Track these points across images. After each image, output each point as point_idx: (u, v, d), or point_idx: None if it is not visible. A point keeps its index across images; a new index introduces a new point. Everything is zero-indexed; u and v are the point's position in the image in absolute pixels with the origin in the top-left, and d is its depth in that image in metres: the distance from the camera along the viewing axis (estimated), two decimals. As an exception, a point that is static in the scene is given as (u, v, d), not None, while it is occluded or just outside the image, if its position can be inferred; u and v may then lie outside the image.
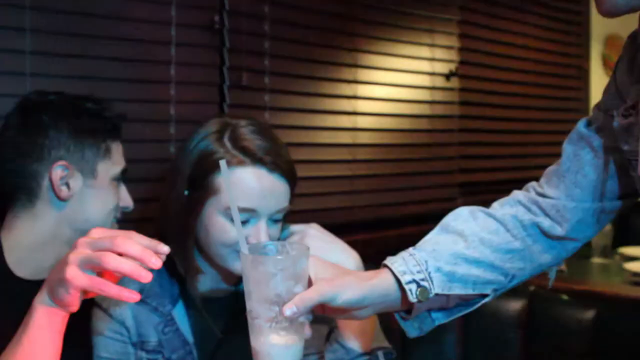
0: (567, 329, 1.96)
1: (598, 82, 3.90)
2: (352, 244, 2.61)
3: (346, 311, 1.08)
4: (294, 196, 1.45)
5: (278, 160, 1.37)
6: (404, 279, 1.10)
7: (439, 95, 2.91)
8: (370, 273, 1.13)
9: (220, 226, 1.37)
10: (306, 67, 2.43)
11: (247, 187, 1.35)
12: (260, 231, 1.36)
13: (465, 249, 1.17)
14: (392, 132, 2.73)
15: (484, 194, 3.16)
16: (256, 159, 1.35)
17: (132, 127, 1.92)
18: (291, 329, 1.01)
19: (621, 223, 3.48)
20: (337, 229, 2.47)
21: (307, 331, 1.03)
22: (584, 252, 3.29)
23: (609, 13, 0.96)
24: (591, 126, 1.25)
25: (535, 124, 3.49)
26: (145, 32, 2.01)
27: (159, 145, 2.04)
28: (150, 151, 2.03)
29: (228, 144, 1.37)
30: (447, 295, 1.14)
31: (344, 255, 1.45)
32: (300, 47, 2.41)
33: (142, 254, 0.99)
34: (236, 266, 1.40)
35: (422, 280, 1.11)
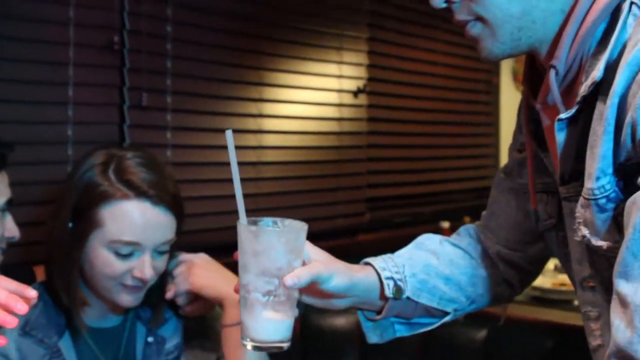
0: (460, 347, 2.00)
1: (508, 97, 3.99)
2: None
3: (329, 296, 1.11)
4: (181, 226, 1.46)
5: (163, 194, 1.38)
6: (383, 274, 1.18)
7: (347, 112, 2.94)
8: (357, 266, 1.19)
9: (104, 259, 1.37)
10: (210, 85, 2.43)
11: (131, 220, 1.35)
12: (145, 264, 1.37)
13: (438, 265, 1.26)
14: (300, 149, 2.75)
15: (392, 208, 3.21)
16: (140, 193, 1.36)
17: (27, 149, 1.90)
18: (287, 304, 1.01)
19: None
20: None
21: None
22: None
23: (487, 60, 1.00)
24: (507, 169, 1.31)
25: (445, 138, 3.56)
26: (42, 52, 1.98)
27: (55, 167, 2.02)
28: (47, 173, 2.00)
29: (112, 177, 1.37)
30: (415, 304, 1.21)
31: (231, 285, 1.45)
32: (204, 65, 2.40)
33: (7, 300, 0.98)
34: (121, 299, 1.40)
35: (399, 280, 1.19)
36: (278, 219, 1.06)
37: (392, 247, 3.15)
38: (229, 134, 1.06)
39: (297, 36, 2.73)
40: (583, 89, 0.90)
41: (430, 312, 1.25)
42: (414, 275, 1.22)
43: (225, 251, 2.39)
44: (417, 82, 3.37)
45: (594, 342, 1.04)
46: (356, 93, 2.96)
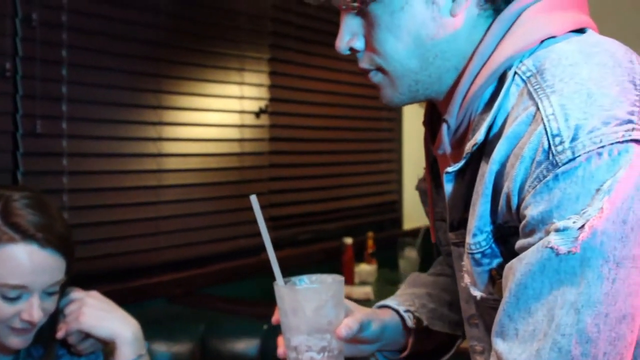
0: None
1: (410, 114, 4.07)
2: (158, 286, 2.63)
3: (362, 342, 1.14)
4: (72, 266, 1.44)
5: (51, 236, 1.37)
6: (400, 309, 1.21)
7: (248, 133, 2.96)
8: (379, 310, 1.23)
9: (-10, 302, 1.34)
10: (108, 110, 2.41)
11: (17, 264, 1.34)
12: (33, 307, 1.35)
13: (438, 294, 1.29)
14: (201, 171, 2.75)
15: (295, 226, 3.24)
16: (27, 236, 1.34)
17: None
18: (340, 357, 1.05)
19: (425, 250, 3.65)
20: (142, 271, 2.49)
21: None
22: (393, 277, 3.45)
23: (389, 105, 1.04)
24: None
25: (348, 155, 3.61)
26: None
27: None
28: None
29: (-2, 220, 1.35)
30: (428, 334, 1.24)
31: (123, 324, 1.46)
32: (101, 90, 2.38)
33: None
34: (10, 341, 1.38)
35: (415, 311, 1.22)
36: (306, 276, 1.09)
37: (297, 263, 3.21)
38: (253, 199, 1.07)
39: (197, 58, 2.73)
40: (468, 147, 0.94)
41: (442, 341, 1.28)
42: (424, 306, 1.25)
43: (126, 276, 2.41)
44: (320, 101, 3.42)
45: None
46: (258, 114, 2.98)
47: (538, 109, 0.83)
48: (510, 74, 0.90)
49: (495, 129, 0.90)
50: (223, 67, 2.85)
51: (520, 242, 0.86)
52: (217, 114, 2.83)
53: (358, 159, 3.69)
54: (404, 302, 1.25)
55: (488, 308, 0.97)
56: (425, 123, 1.11)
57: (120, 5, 2.42)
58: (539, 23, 0.91)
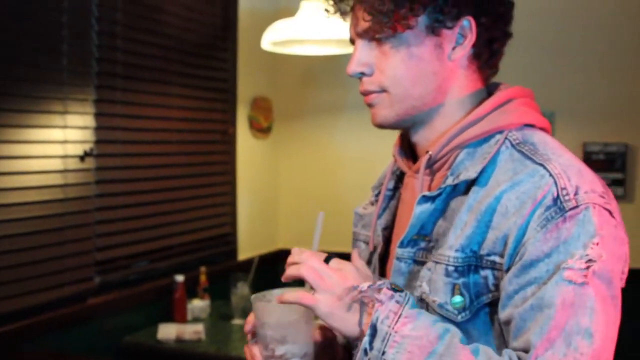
0: None
1: (244, 144, 4.11)
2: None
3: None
4: None
5: None
6: None
7: (72, 178, 2.88)
8: None
9: None
10: None
11: None
12: None
13: None
14: (19, 221, 2.66)
15: (123, 268, 3.20)
16: None
17: None
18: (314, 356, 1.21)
19: (257, 284, 3.69)
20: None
21: None
22: (227, 311, 3.47)
23: (378, 126, 1.24)
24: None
25: (181, 191, 3.59)
26: None
27: None
28: None
29: None
30: None
31: None
32: None
33: None
34: None
35: None
36: (279, 290, 1.20)
37: (126, 305, 3.16)
38: (321, 216, 1.24)
39: (15, 103, 2.64)
40: (452, 179, 1.16)
41: None
42: None
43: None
44: (151, 139, 3.38)
45: None
46: (83, 157, 2.91)
47: (545, 168, 1.09)
48: (500, 138, 1.16)
49: (485, 173, 1.13)
50: (45, 111, 2.76)
51: (519, 280, 1.05)
52: (39, 161, 2.74)
53: (191, 194, 3.67)
54: None
55: (437, 315, 1.12)
56: (396, 153, 1.32)
57: None
58: (525, 112, 1.20)
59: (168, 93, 3.48)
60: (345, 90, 4.30)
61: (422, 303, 1.15)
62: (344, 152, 4.39)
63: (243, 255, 4.10)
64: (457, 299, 1.10)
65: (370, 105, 1.23)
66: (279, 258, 4.44)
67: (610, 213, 1.07)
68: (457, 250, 1.11)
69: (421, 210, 1.18)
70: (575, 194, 1.06)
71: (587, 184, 1.08)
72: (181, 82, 3.57)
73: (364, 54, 1.20)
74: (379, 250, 1.32)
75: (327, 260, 1.14)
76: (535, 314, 1.02)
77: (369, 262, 1.34)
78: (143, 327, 3.22)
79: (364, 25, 1.18)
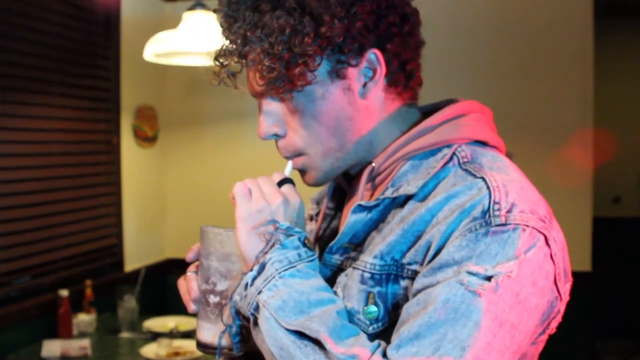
0: None
1: (129, 154, 4.06)
2: None
3: None
4: None
5: None
6: None
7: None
8: None
9: None
10: None
11: None
12: None
13: None
14: None
15: (4, 285, 3.11)
16: None
17: None
18: None
19: (145, 295, 3.66)
20: None
21: None
22: (113, 324, 3.42)
23: (315, 185, 1.18)
24: None
25: (63, 203, 3.51)
26: None
27: None
28: None
29: None
30: None
31: None
32: None
33: None
34: None
35: None
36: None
37: (8, 323, 3.07)
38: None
39: None
40: (391, 191, 1.09)
41: None
42: None
43: None
44: (31, 152, 3.29)
45: None
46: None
47: (484, 180, 1.02)
48: (447, 152, 1.08)
49: (425, 188, 1.06)
50: None
51: (425, 280, 0.99)
52: None
53: (75, 206, 3.59)
54: None
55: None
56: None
57: None
58: (478, 127, 1.12)
59: (48, 104, 3.40)
60: (232, 98, 4.31)
61: None
62: (230, 160, 4.40)
63: (130, 266, 4.05)
64: (372, 308, 1.05)
65: (298, 170, 1.16)
66: (167, 268, 4.42)
67: (546, 240, 1.00)
68: (375, 257, 1.06)
69: (355, 219, 1.11)
70: (508, 211, 0.98)
71: (527, 204, 1.00)
72: (61, 91, 3.49)
73: (270, 115, 1.13)
74: None
75: (281, 184, 1.12)
76: (417, 308, 0.97)
77: None
78: (26, 345, 3.14)
79: (259, 88, 1.11)
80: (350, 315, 1.06)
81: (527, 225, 0.98)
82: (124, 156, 4.00)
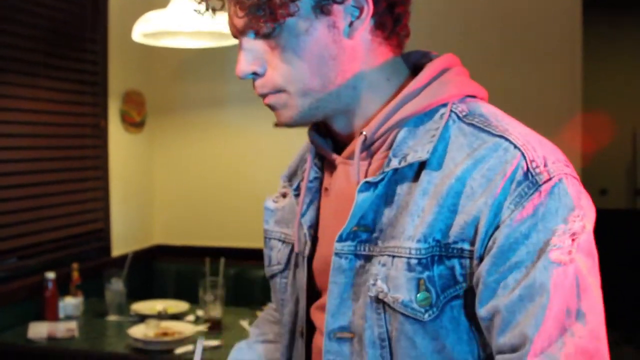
0: None
1: (117, 138, 4.04)
2: None
3: None
4: None
5: None
6: None
7: None
8: None
9: None
10: None
11: None
12: None
13: None
14: None
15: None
16: None
17: None
18: None
19: (133, 280, 3.64)
20: None
21: None
22: (100, 308, 3.40)
23: (285, 126, 1.11)
24: None
25: (51, 186, 3.49)
26: None
27: None
28: None
29: None
30: None
31: None
32: None
33: None
34: None
35: None
36: None
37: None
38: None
39: None
40: (397, 161, 1.03)
41: None
42: None
43: None
44: (18, 133, 3.27)
45: None
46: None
47: (505, 139, 0.98)
48: (444, 111, 1.04)
49: (436, 153, 1.01)
50: None
51: (500, 269, 0.94)
52: None
53: (62, 189, 3.57)
54: None
55: (400, 317, 1.01)
56: (315, 138, 1.18)
57: None
58: (464, 81, 1.09)
59: (35, 85, 3.37)
60: (220, 84, 4.31)
61: (379, 304, 1.03)
62: (218, 146, 4.39)
63: (117, 251, 4.02)
64: (424, 295, 0.98)
65: (270, 107, 1.10)
66: (154, 254, 4.40)
67: (579, 181, 0.99)
68: (418, 241, 0.99)
69: (363, 197, 1.04)
70: (545, 165, 0.96)
71: (552, 154, 0.99)
72: (49, 74, 3.46)
73: (250, 52, 1.06)
74: (306, 252, 1.18)
75: None
76: (526, 304, 0.91)
77: (288, 262, 1.24)
78: (12, 327, 3.11)
79: (239, 22, 1.04)
80: (403, 307, 1.00)
81: (566, 174, 0.97)
82: (111, 141, 3.98)
